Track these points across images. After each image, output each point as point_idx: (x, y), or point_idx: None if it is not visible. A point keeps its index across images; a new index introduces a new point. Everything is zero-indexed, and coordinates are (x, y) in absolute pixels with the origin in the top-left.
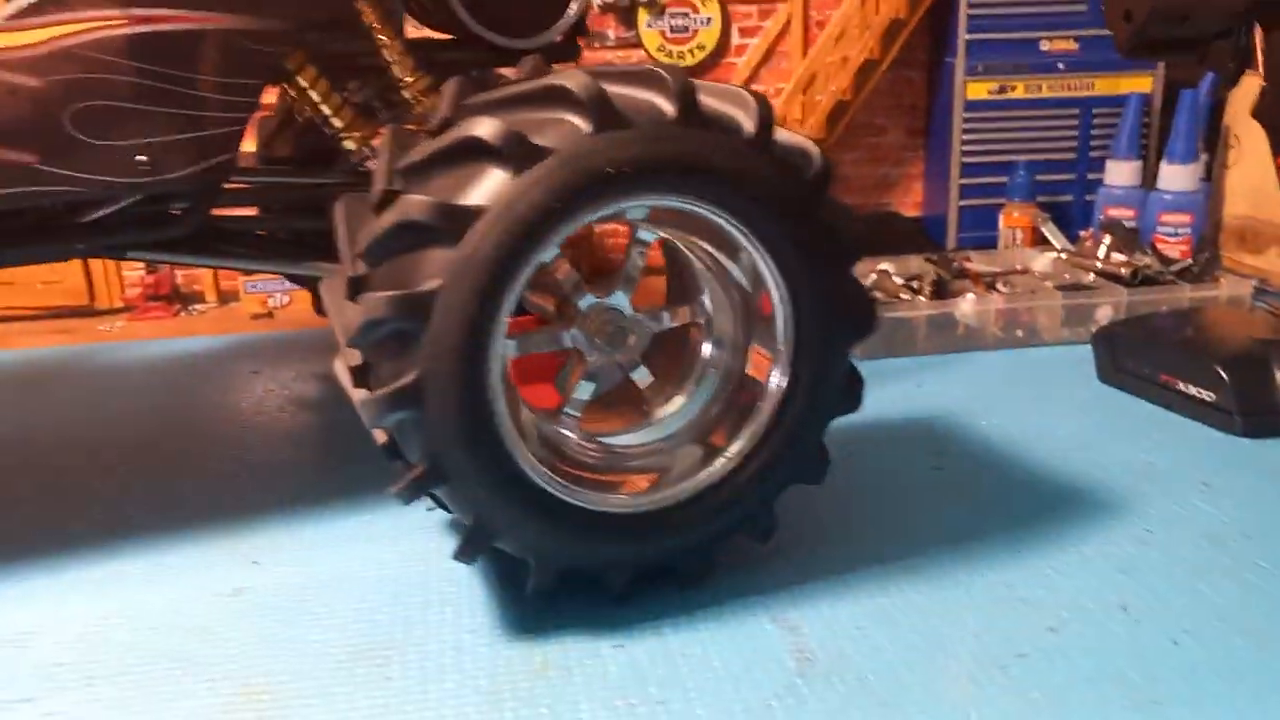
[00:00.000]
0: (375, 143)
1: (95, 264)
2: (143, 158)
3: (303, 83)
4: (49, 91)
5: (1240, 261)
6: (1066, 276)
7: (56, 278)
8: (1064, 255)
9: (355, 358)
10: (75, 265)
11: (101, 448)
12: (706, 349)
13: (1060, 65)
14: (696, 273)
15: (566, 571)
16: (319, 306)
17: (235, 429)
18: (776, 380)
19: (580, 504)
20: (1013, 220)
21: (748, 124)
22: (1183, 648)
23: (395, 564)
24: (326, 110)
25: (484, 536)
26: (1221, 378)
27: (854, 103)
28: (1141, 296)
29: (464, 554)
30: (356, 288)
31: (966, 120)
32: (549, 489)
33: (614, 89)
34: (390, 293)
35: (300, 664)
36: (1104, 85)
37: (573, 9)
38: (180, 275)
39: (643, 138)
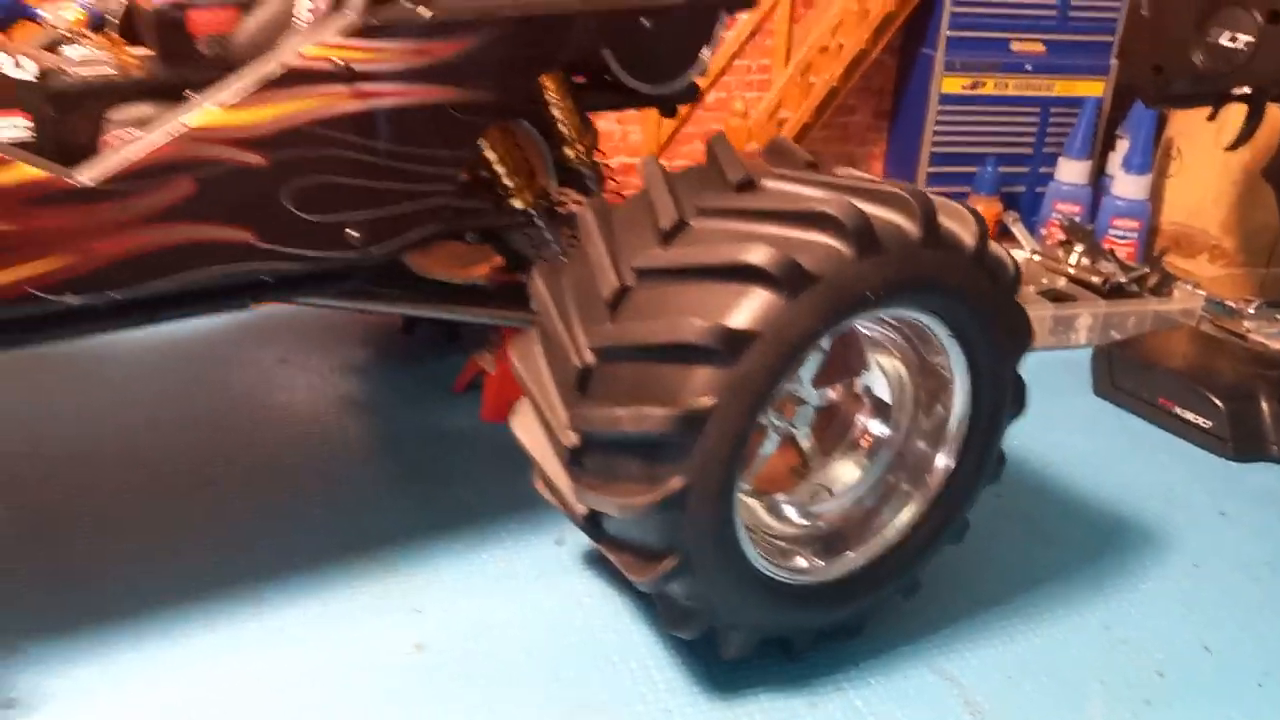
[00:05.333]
0: (571, 208)
1: None
2: (354, 232)
3: (482, 144)
4: (271, 169)
5: (1173, 264)
6: (1044, 281)
7: None
8: (1035, 257)
9: (572, 439)
10: None
11: (162, 465)
12: (878, 427)
13: (1028, 66)
14: (869, 353)
15: (763, 637)
16: (409, 326)
17: (298, 439)
18: (945, 461)
19: (784, 578)
20: None
21: (969, 240)
22: (1266, 690)
23: (554, 609)
24: (500, 169)
25: (710, 615)
26: (1217, 407)
27: (842, 90)
28: (1115, 309)
29: (687, 630)
30: (585, 381)
31: (940, 112)
32: (763, 567)
33: (865, 209)
34: (670, 411)
35: None
36: (1062, 87)
37: (705, 55)
38: None
39: (895, 260)
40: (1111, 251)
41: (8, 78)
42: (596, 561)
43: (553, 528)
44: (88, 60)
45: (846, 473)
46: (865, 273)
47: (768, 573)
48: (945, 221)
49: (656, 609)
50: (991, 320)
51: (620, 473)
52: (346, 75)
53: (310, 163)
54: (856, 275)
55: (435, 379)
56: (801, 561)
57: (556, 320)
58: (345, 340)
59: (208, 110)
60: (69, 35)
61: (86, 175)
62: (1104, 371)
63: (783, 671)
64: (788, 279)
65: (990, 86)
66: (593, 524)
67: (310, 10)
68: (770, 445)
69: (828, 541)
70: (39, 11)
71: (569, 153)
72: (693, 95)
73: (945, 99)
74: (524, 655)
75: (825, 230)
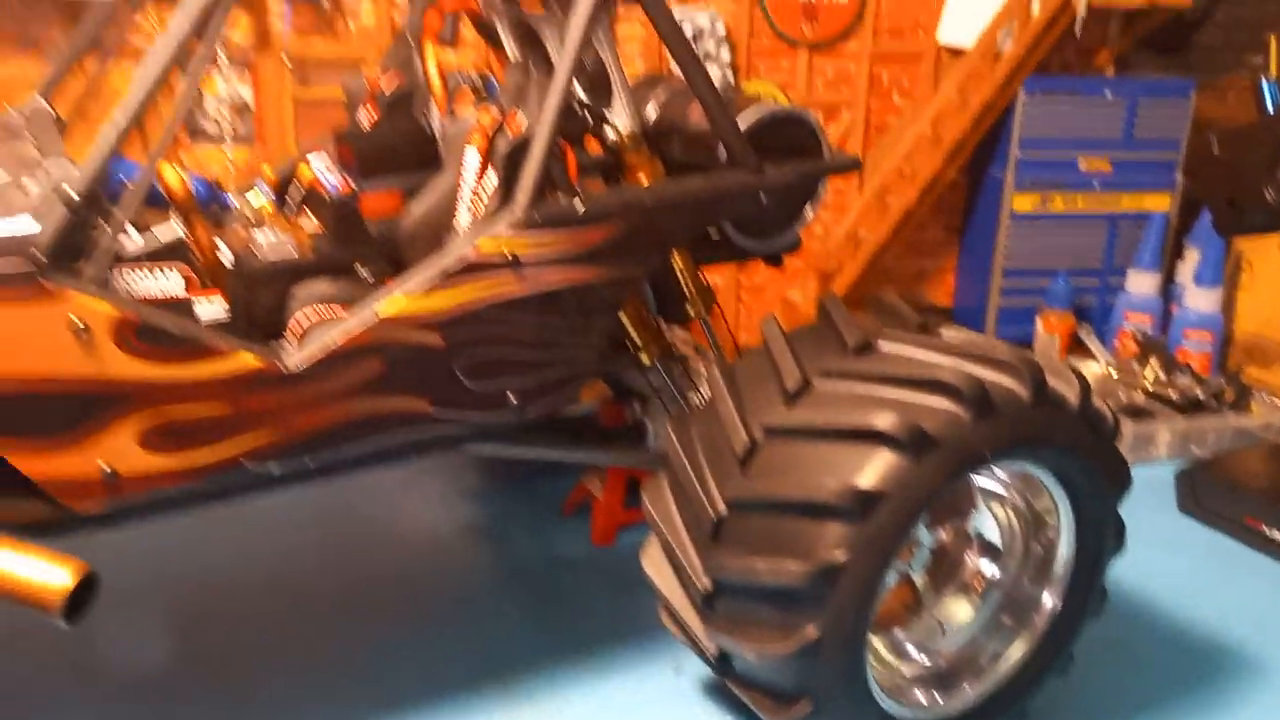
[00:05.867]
0: (698, 367)
1: None
2: (513, 398)
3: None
4: (448, 347)
5: (1250, 375)
6: (1121, 396)
7: None
8: (1112, 373)
9: (706, 584)
10: None
11: (302, 594)
12: (988, 569)
13: (1095, 184)
14: (979, 498)
15: None
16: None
17: (425, 565)
18: (1052, 601)
19: (907, 716)
20: (1051, 326)
21: (1073, 399)
22: None
23: None
24: (632, 331)
25: None
26: None
27: (918, 212)
28: (1194, 424)
29: None
30: (718, 530)
31: (1010, 228)
32: (889, 707)
33: (980, 375)
34: (806, 565)
35: None
36: (1130, 202)
37: (809, 213)
38: None
39: (1008, 422)
40: (1188, 365)
41: (215, 261)
42: (715, 690)
43: (670, 656)
44: (274, 245)
45: (960, 611)
46: (981, 434)
47: (893, 712)
48: (1052, 382)
49: None
50: (1094, 468)
51: (753, 618)
52: (513, 264)
53: (480, 339)
54: (974, 437)
55: (546, 502)
56: (921, 698)
57: (688, 470)
58: (460, 465)
59: (395, 299)
60: (256, 221)
61: (293, 362)
62: (1188, 490)
63: None
64: (912, 443)
65: (1059, 204)
66: (723, 662)
67: (472, 194)
68: (888, 582)
69: (944, 678)
70: (230, 198)
71: (690, 310)
72: (796, 246)
73: (1016, 217)
74: None
75: (945, 396)
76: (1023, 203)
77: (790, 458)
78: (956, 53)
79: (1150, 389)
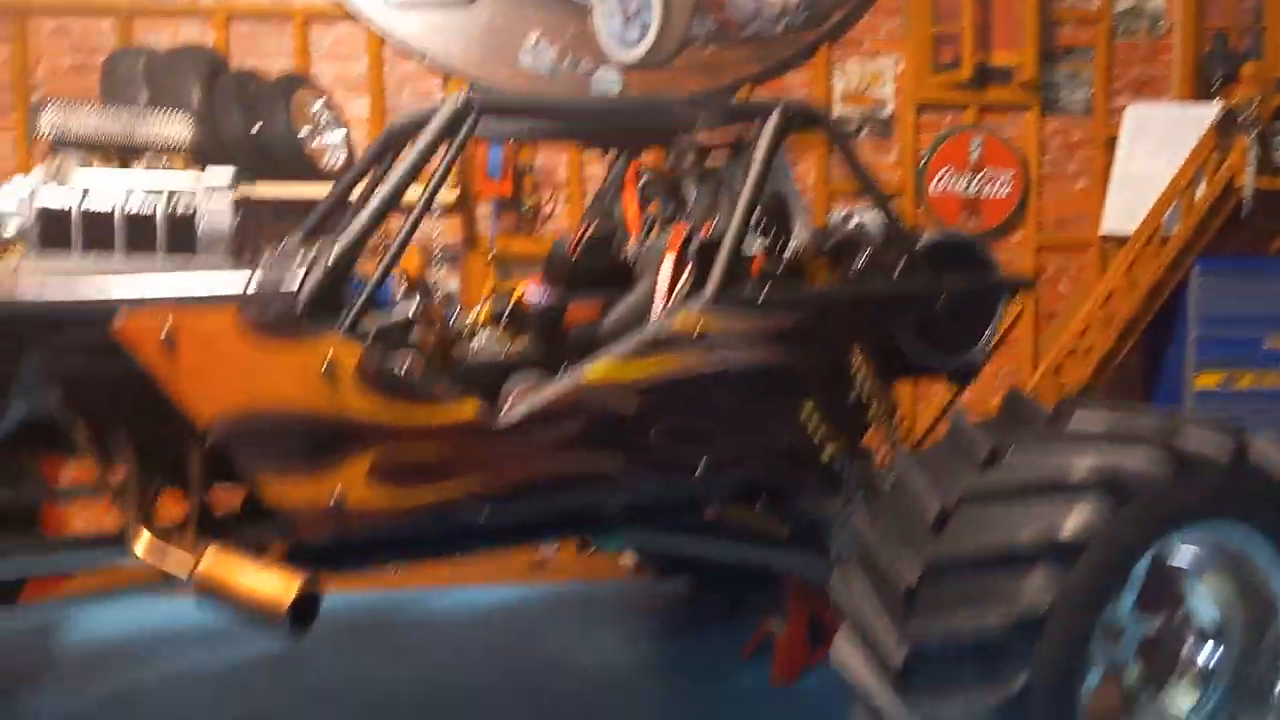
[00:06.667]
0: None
1: None
2: (699, 467)
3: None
4: (643, 413)
5: None
6: None
7: None
8: None
9: (900, 658)
10: None
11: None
12: (1210, 654)
13: None
14: (1191, 583)
15: None
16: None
17: (610, 707)
18: None
19: None
20: None
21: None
22: None
23: None
24: (814, 429)
25: None
26: None
27: (1094, 388)
28: None
29: None
30: (912, 600)
31: (1196, 406)
32: None
33: (1179, 429)
34: (1009, 611)
35: None
36: None
37: (989, 335)
38: None
39: (1208, 483)
40: None
41: (438, 348)
42: None
43: None
44: (488, 348)
45: (1183, 700)
46: (1181, 492)
47: None
48: (1256, 445)
49: None
50: None
51: (957, 683)
52: (701, 340)
53: (672, 409)
54: (1174, 493)
55: (722, 647)
56: None
57: (879, 546)
58: (636, 613)
59: (598, 366)
60: (475, 329)
61: (505, 417)
62: None
63: None
64: (1112, 490)
65: (1248, 381)
66: None
67: (666, 293)
68: (1094, 678)
69: None
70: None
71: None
72: (979, 367)
73: (1200, 395)
74: None
75: (1144, 449)
76: (1207, 380)
77: (985, 519)
78: (1122, 242)
79: None
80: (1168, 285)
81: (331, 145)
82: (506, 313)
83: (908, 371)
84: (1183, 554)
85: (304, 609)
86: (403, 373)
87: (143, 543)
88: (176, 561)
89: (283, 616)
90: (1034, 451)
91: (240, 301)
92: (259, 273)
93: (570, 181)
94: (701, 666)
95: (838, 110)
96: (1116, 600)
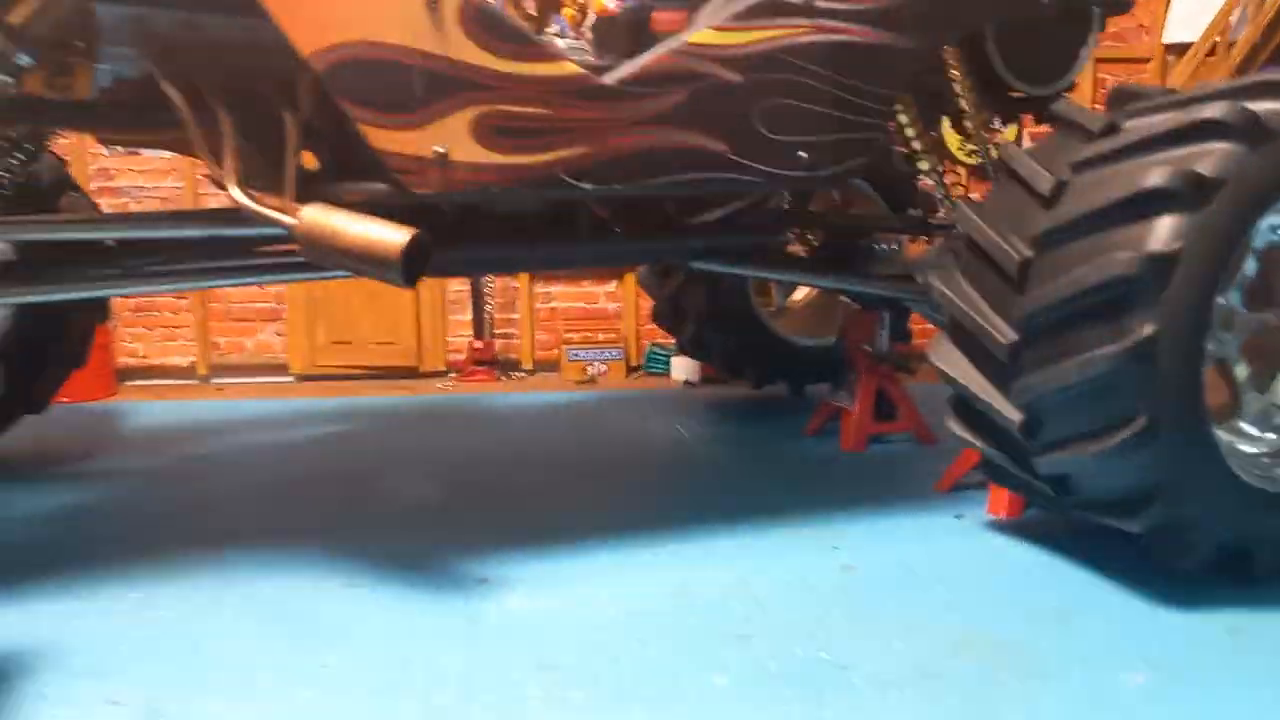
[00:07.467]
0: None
1: (425, 328)
2: (803, 154)
3: (899, 109)
4: (748, 88)
5: None
6: None
7: (391, 339)
8: None
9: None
10: (409, 329)
11: (553, 469)
12: None
13: None
14: None
15: (1224, 548)
16: (758, 384)
17: (675, 462)
18: None
19: (1256, 483)
20: None
21: None
22: None
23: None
24: (912, 134)
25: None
26: None
27: None
28: None
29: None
30: (1024, 273)
31: None
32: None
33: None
34: (1136, 255)
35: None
36: None
37: (1083, 54)
38: (499, 344)
39: None
40: None
41: None
42: (998, 528)
43: (950, 506)
44: (572, 45)
45: None
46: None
47: (1240, 473)
48: None
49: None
50: None
51: (1074, 345)
52: (807, 10)
53: (776, 86)
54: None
55: (781, 427)
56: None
57: (989, 231)
58: (696, 406)
59: (704, 31)
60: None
61: (610, 77)
62: None
63: (1233, 596)
64: (1247, 131)
65: None
66: (1031, 428)
67: None
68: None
69: None
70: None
71: (968, 124)
72: (1069, 90)
73: None
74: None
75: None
76: None
77: (1104, 179)
78: (1184, 50)
79: None
80: None
81: None
82: (589, 24)
83: (998, 104)
84: None
85: (416, 255)
86: (509, 19)
87: (249, 197)
88: (283, 212)
89: (397, 259)
90: (1161, 110)
91: None
92: None
93: None
94: (766, 439)
95: None
96: (1242, 256)
